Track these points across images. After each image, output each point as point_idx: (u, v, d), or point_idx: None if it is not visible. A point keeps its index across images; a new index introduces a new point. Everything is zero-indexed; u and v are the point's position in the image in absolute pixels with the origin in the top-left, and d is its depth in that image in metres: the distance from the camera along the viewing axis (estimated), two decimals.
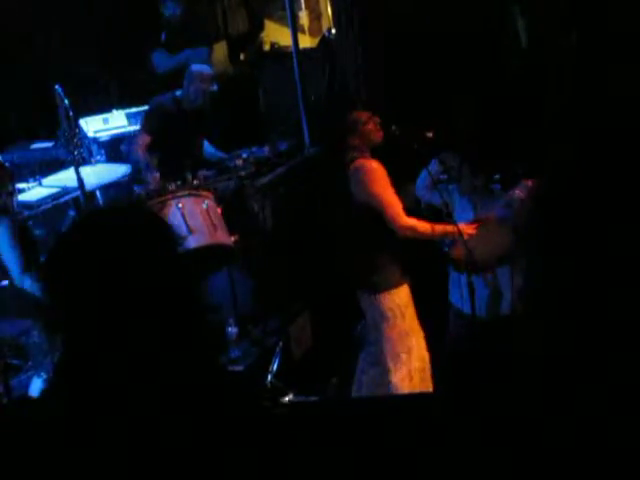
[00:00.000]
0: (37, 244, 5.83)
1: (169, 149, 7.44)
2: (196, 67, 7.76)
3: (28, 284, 5.46)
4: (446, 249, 5.65)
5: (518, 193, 5.64)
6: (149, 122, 7.63)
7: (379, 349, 5.39)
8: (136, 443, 1.58)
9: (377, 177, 5.21)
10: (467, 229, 5.33)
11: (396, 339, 5.31)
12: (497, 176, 5.76)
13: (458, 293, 5.73)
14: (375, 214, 5.21)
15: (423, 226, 5.26)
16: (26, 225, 6.09)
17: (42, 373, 5.61)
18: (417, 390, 5.34)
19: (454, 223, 5.23)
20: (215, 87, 7.69)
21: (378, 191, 5.18)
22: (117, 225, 1.70)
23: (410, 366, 5.34)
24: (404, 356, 5.32)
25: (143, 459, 1.58)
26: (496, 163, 5.78)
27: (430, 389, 5.38)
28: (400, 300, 5.31)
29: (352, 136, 5.29)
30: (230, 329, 6.36)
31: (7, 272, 5.55)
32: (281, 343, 5.94)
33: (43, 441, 1.60)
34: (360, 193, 5.21)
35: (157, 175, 7.18)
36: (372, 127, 5.33)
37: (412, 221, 5.23)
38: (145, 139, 7.48)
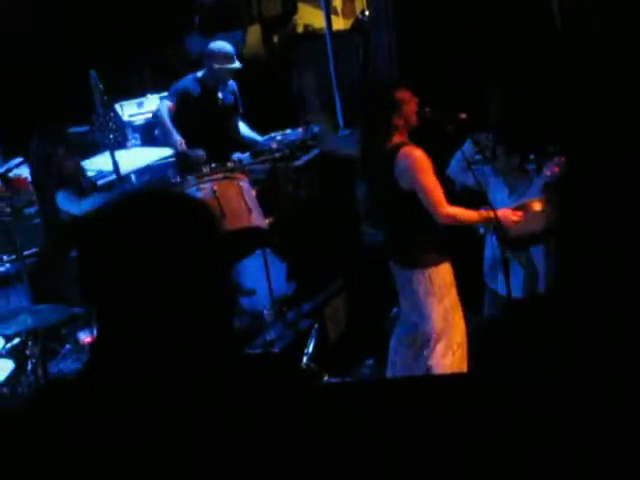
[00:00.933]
0: None
1: (200, 131, 7.46)
2: (215, 45, 7.71)
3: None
4: (481, 230, 5.63)
5: (549, 173, 5.60)
6: (173, 96, 7.69)
7: (421, 327, 5.36)
8: (158, 422, 1.60)
9: (423, 167, 5.15)
10: (511, 215, 5.27)
11: (441, 315, 5.29)
12: (532, 156, 5.72)
13: (493, 273, 5.72)
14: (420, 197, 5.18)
15: (464, 214, 5.22)
16: None
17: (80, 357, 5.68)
18: (457, 366, 5.33)
19: (493, 209, 5.17)
20: (238, 64, 7.64)
21: (423, 180, 5.12)
22: (152, 209, 1.71)
23: (453, 341, 5.33)
24: (448, 332, 5.31)
25: (156, 438, 1.59)
26: (531, 142, 5.74)
27: (466, 367, 5.37)
28: (448, 276, 5.30)
29: (397, 116, 5.23)
30: (265, 311, 6.38)
31: None
32: (317, 325, 5.95)
33: (76, 425, 1.62)
34: (406, 181, 5.16)
35: (180, 139, 7.28)
36: (413, 108, 5.28)
37: (453, 210, 5.17)
38: (171, 105, 7.54)
